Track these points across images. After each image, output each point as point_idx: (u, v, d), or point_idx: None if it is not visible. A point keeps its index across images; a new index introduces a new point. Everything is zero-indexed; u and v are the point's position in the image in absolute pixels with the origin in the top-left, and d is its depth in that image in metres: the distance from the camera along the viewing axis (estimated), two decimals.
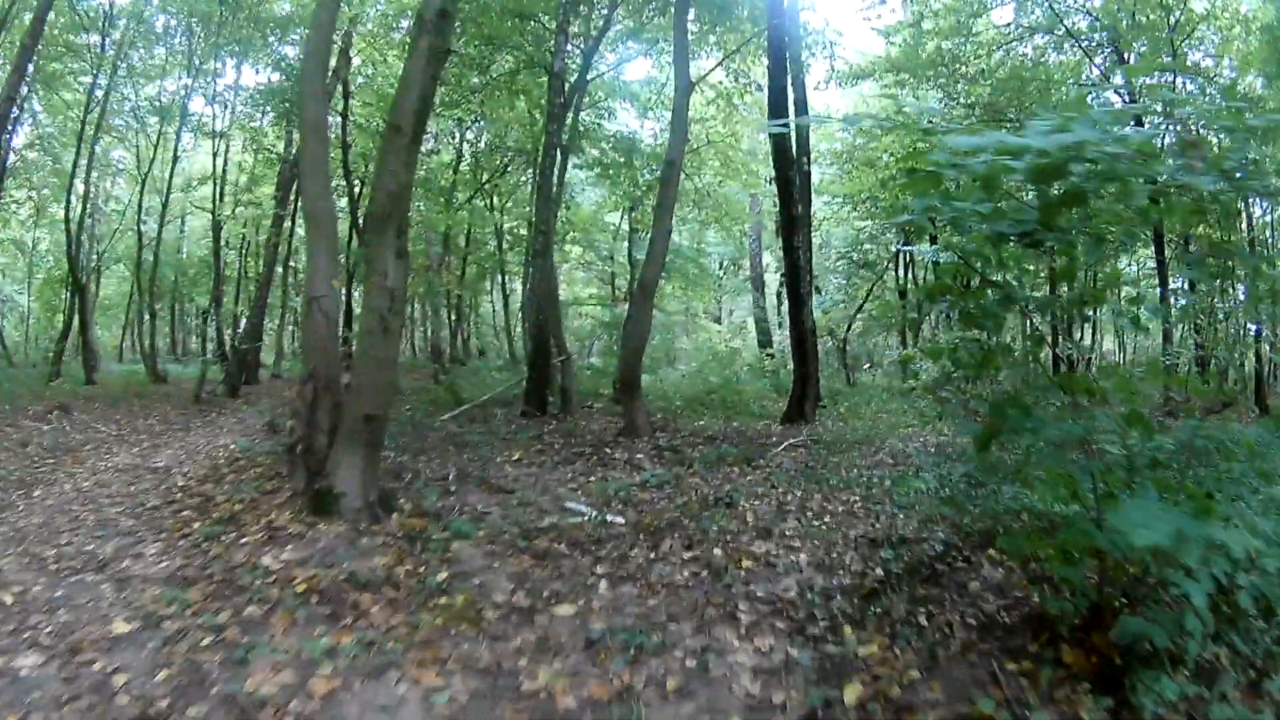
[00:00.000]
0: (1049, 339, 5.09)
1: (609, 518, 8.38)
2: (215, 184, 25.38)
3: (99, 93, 22.98)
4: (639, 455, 11.96)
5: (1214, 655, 4.51)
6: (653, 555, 7.23)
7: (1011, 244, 4.47)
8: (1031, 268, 5.55)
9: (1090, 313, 4.83)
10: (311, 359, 8.74)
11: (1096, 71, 20.65)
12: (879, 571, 6.45)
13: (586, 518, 8.33)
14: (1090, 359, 21.62)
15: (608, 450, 12.26)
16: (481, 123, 24.89)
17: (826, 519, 8.53)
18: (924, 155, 4.40)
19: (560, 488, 9.77)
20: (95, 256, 28.71)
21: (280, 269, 26.57)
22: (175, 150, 25.49)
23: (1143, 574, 4.82)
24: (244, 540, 7.26)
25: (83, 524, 8.16)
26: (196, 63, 23.64)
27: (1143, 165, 3.79)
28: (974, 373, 4.99)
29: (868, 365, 26.84)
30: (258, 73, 25.47)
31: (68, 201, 23.69)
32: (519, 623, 5.70)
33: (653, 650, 5.15)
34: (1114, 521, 3.65)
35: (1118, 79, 17.42)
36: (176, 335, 38.71)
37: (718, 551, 7.28)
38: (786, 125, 14.77)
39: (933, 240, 24.19)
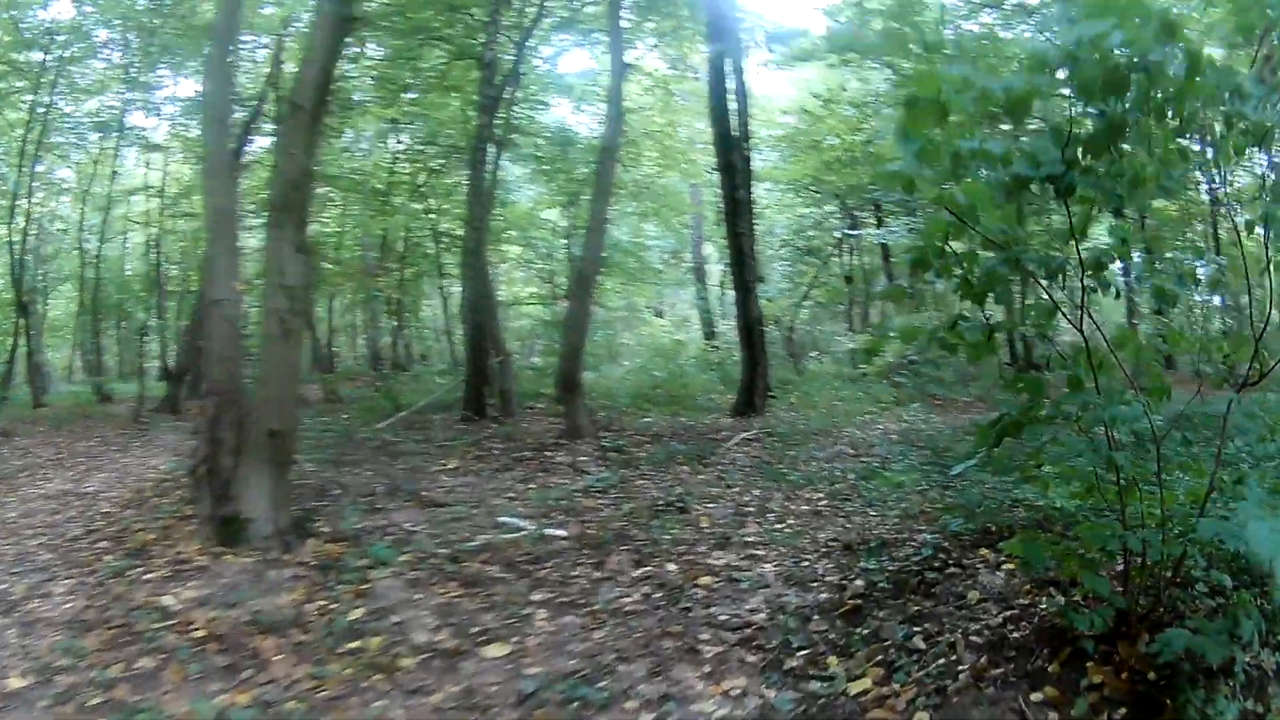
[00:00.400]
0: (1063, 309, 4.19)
1: (548, 531, 7.54)
2: (148, 196, 24.41)
3: (41, 110, 21.98)
4: (582, 458, 11.21)
5: (1257, 662, 3.80)
6: (598, 574, 6.37)
7: (1033, 190, 3.63)
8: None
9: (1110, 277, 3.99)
10: (213, 370, 7.81)
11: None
12: (859, 583, 5.58)
13: (524, 533, 7.46)
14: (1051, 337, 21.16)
15: (549, 454, 11.48)
16: (415, 124, 23.97)
17: (790, 521, 7.76)
18: (928, 79, 3.51)
19: (497, 498, 8.94)
20: (42, 277, 27.49)
21: None
22: (114, 165, 24.54)
23: (1173, 575, 4.07)
24: (149, 576, 6.31)
25: (1, 560, 7.21)
26: (134, 74, 22.61)
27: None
28: (975, 357, 4.15)
29: (815, 353, 26.16)
30: (192, 82, 24.38)
31: (10, 222, 22.60)
32: (442, 670, 4.77)
33: (599, 704, 4.21)
34: (1252, 543, 2.83)
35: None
36: (125, 353, 37.31)
37: (671, 566, 6.43)
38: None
39: (879, 223, 23.68)
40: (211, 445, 7.31)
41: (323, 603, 5.73)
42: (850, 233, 24.70)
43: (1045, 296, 4.16)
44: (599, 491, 9.14)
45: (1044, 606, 4.60)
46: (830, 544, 6.77)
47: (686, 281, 33.66)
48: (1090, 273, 3.87)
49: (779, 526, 7.56)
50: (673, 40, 20.13)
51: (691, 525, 7.65)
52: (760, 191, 24.57)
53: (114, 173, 24.52)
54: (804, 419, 14.58)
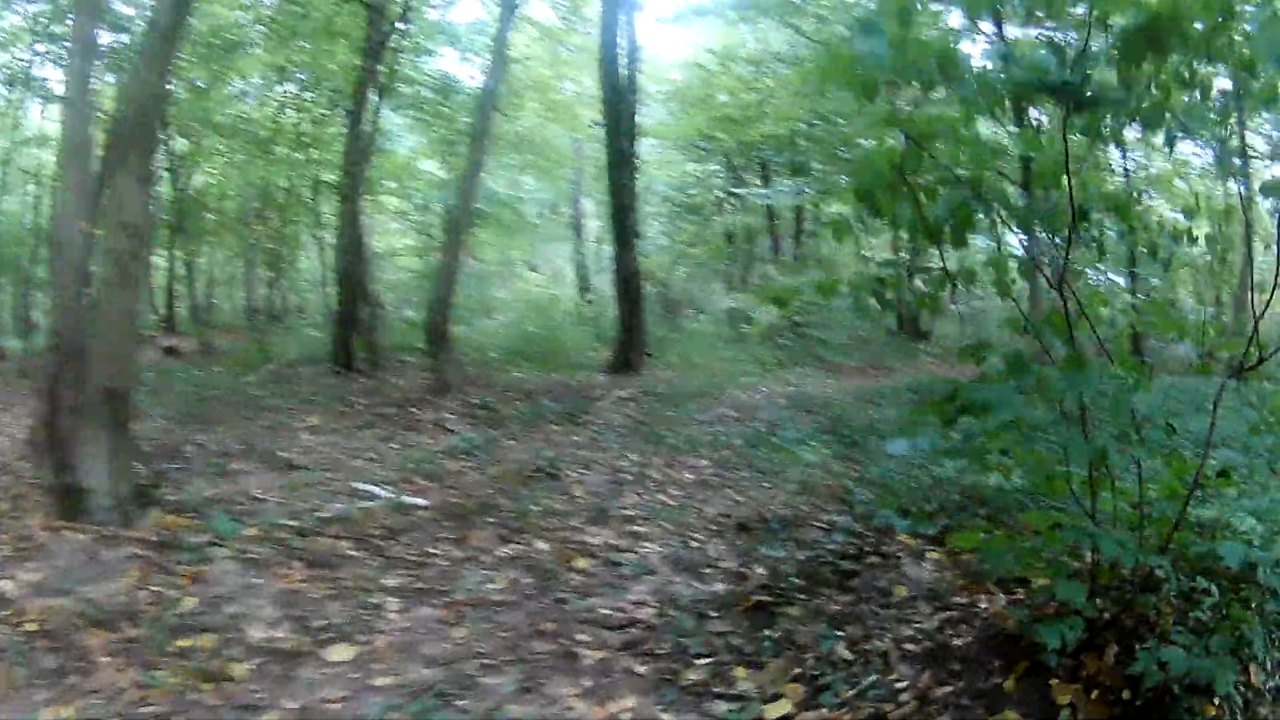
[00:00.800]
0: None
1: (407, 500, 6.67)
2: (42, 147, 23.05)
3: None
4: (449, 415, 10.43)
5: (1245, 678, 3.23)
6: (459, 553, 5.50)
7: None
8: None
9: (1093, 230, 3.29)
10: (55, 321, 6.75)
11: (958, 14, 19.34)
12: (761, 572, 4.84)
13: (380, 502, 6.59)
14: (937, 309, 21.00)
15: (414, 410, 10.66)
16: (301, 71, 22.78)
17: (674, 492, 7.06)
18: None
19: (357, 459, 8.07)
20: None
21: None
22: (16, 117, 23.03)
23: (1145, 579, 3.44)
24: None
25: None
26: (44, 26, 21.02)
27: None
28: (921, 305, 3.43)
29: (693, 312, 25.67)
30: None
31: None
32: (277, 680, 3.81)
33: None
34: None
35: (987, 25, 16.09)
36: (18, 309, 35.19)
37: (542, 545, 5.61)
38: None
39: (766, 182, 23.11)
40: (51, 406, 6.27)
41: (157, 589, 4.76)
42: (736, 191, 24.08)
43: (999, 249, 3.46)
44: (465, 453, 8.38)
45: (985, 606, 3.94)
46: (721, 520, 6.06)
47: (563, 236, 32.96)
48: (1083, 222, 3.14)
49: (661, 498, 6.87)
50: None
51: (564, 494, 6.91)
52: (644, 147, 24.00)
53: (15, 125, 23.18)
54: (683, 379, 14.01)
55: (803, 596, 4.39)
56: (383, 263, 30.86)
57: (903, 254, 19.53)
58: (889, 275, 3.60)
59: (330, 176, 24.69)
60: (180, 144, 23.62)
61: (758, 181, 23.90)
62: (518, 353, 17.73)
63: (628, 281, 15.63)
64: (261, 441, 8.64)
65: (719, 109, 22.59)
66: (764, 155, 22.76)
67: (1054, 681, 3.28)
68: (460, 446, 8.59)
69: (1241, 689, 3.14)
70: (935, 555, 4.63)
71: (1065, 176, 3.04)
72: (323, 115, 23.89)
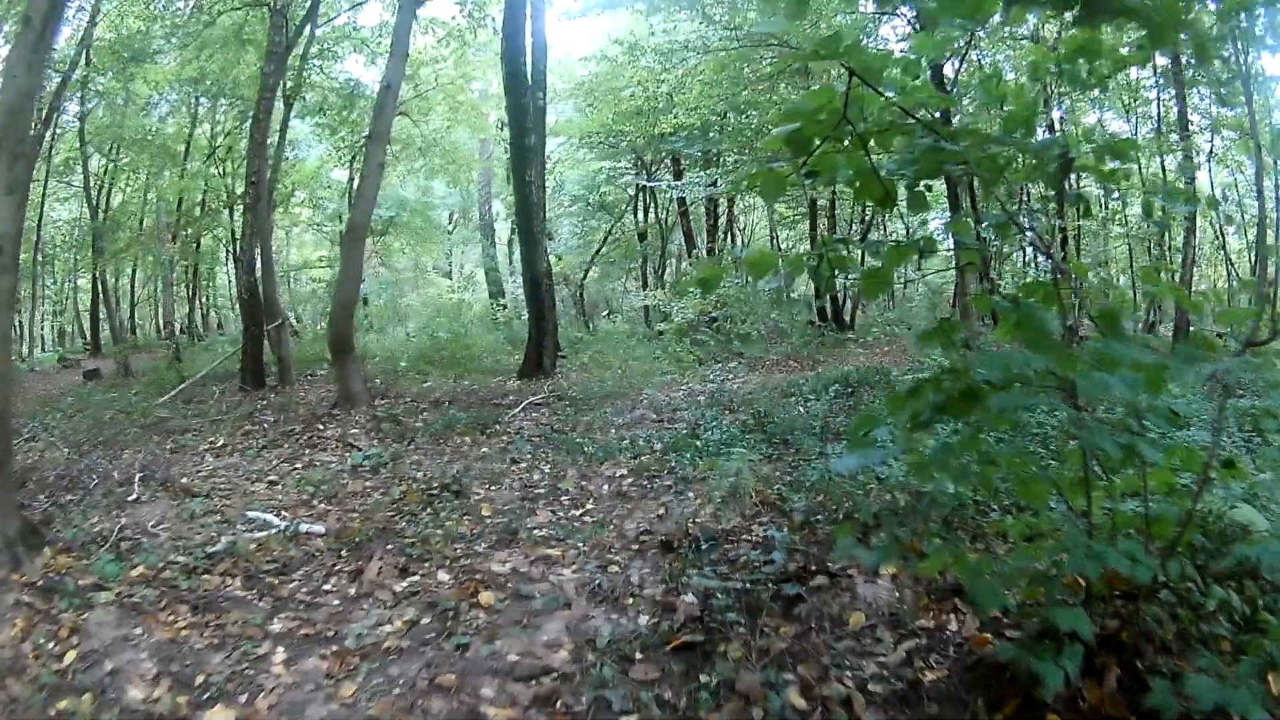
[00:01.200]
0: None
1: (304, 528, 6.09)
2: None
3: None
4: (353, 430, 9.84)
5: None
6: (354, 590, 4.87)
7: None
8: None
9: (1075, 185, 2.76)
10: None
11: None
12: (691, 600, 4.19)
13: (274, 531, 5.98)
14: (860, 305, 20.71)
15: (320, 426, 10.05)
16: (211, 82, 22.01)
17: (590, 506, 6.51)
18: None
19: (258, 483, 7.56)
20: None
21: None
22: None
23: (1149, 596, 2.91)
24: None
25: None
26: None
27: None
28: (871, 290, 2.85)
29: (607, 312, 25.17)
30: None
31: None
32: None
33: None
34: None
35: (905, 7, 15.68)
36: None
37: (444, 576, 4.97)
38: None
39: (678, 175, 22.65)
40: None
41: (40, 640, 4.17)
42: (648, 183, 23.52)
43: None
44: (369, 471, 7.86)
45: (956, 629, 3.37)
46: (643, 539, 5.45)
47: (474, 239, 32.50)
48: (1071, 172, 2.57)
49: (576, 514, 6.32)
50: None
51: (471, 514, 6.31)
52: (553, 145, 23.39)
53: None
54: (598, 380, 13.55)
55: (742, 630, 3.77)
56: (299, 275, 30.21)
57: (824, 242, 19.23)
58: (831, 253, 3.01)
59: (243, 189, 24.11)
60: (97, 163, 23.15)
61: (669, 176, 23.40)
62: (428, 360, 17.23)
63: (536, 281, 15.19)
64: (163, 467, 8.09)
65: (627, 101, 22.09)
66: (675, 148, 22.25)
67: (1051, 718, 2.73)
68: (364, 464, 8.09)
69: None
70: (890, 570, 4.05)
71: (1053, 114, 2.49)
72: (235, 127, 23.37)
